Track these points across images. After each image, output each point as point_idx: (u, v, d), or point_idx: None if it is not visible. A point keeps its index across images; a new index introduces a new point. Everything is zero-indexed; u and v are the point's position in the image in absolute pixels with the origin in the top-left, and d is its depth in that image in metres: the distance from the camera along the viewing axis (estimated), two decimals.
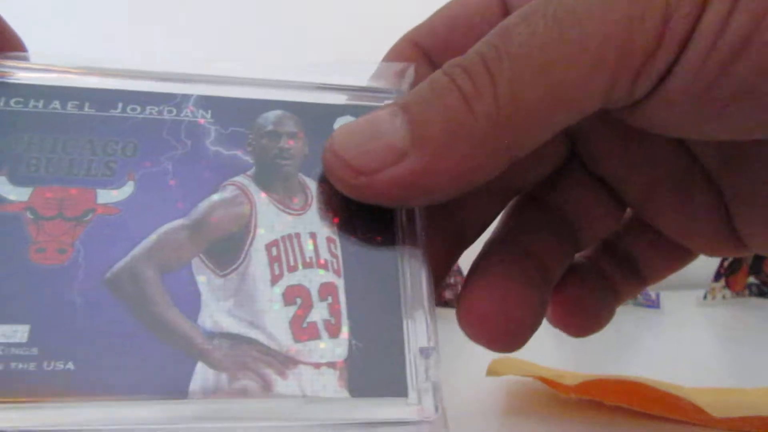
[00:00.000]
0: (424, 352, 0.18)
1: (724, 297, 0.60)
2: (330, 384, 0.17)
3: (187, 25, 0.57)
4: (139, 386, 0.16)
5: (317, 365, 0.17)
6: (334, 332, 0.18)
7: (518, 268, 0.22)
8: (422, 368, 0.18)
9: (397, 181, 0.18)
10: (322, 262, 0.19)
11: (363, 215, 0.20)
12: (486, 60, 0.17)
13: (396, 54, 0.23)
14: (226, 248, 0.18)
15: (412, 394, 0.17)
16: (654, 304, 0.58)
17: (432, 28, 0.23)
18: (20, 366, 0.16)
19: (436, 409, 0.17)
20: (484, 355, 0.33)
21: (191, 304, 0.17)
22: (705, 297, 0.59)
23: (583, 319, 0.24)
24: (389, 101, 0.22)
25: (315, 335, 0.18)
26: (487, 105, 0.17)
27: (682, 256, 0.25)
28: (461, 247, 0.22)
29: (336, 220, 0.19)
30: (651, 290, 0.57)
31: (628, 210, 0.25)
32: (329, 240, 0.19)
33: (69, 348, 0.16)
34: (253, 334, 0.17)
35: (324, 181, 0.20)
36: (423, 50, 0.23)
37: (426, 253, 0.19)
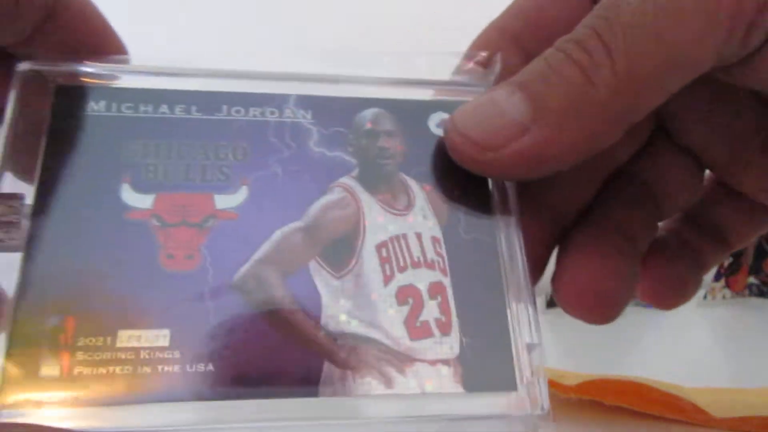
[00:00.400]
0: (529, 348, 0.19)
1: (724, 297, 0.61)
2: (446, 380, 0.18)
3: (187, 25, 0.57)
4: (272, 385, 0.17)
5: (433, 362, 0.18)
6: (445, 330, 0.19)
7: (610, 242, 0.22)
8: (527, 363, 0.19)
9: (522, 154, 0.19)
10: (429, 262, 0.20)
11: (464, 214, 0.20)
12: (599, 32, 0.18)
13: (485, 41, 0.24)
14: (340, 250, 0.19)
15: (521, 388, 0.18)
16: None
17: (521, 12, 0.24)
18: (166, 368, 0.17)
19: (543, 402, 0.18)
20: None
21: (313, 305, 0.18)
22: (705, 297, 0.60)
23: (672, 290, 0.25)
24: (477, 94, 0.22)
25: (428, 333, 0.19)
26: (605, 75, 0.18)
27: (766, 217, 0.26)
28: (560, 231, 0.23)
29: (439, 219, 0.20)
30: None
31: (709, 178, 0.26)
32: (434, 240, 0.20)
33: (207, 350, 0.17)
34: (373, 333, 0.18)
35: (424, 181, 0.21)
36: (512, 36, 0.23)
37: (525, 250, 0.20)
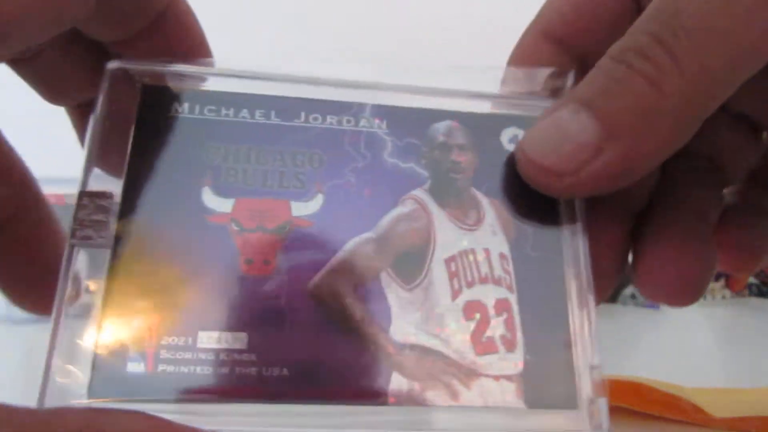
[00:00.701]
0: (591, 368, 0.19)
1: (724, 297, 0.61)
2: (509, 395, 0.19)
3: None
4: (342, 391, 0.18)
5: (496, 378, 0.19)
6: (510, 347, 0.19)
7: (685, 228, 0.22)
8: (588, 382, 0.19)
9: (600, 174, 0.19)
10: (496, 278, 0.20)
11: (532, 231, 0.21)
12: (660, 38, 0.18)
13: (529, 49, 0.24)
14: (410, 263, 0.20)
15: (582, 408, 0.19)
16: (654, 304, 0.58)
17: (561, 15, 0.23)
18: (243, 370, 0.18)
19: (603, 422, 0.19)
20: None
21: (383, 316, 0.19)
22: (705, 297, 0.60)
23: (751, 254, 0.25)
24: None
25: (493, 349, 0.19)
26: (674, 83, 0.18)
27: None
28: (632, 228, 0.23)
29: (507, 236, 0.21)
30: None
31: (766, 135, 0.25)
32: (501, 256, 0.20)
33: (282, 355, 0.18)
34: (439, 346, 0.19)
35: (494, 196, 0.21)
36: (557, 40, 0.23)
37: (591, 268, 0.20)
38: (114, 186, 0.19)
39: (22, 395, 0.17)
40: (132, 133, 0.20)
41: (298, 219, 0.20)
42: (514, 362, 0.19)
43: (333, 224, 0.20)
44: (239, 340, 0.18)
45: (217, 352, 0.18)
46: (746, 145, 0.25)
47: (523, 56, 0.24)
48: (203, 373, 0.18)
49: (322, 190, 0.20)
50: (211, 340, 0.18)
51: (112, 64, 0.20)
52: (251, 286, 0.19)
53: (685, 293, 0.22)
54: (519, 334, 0.19)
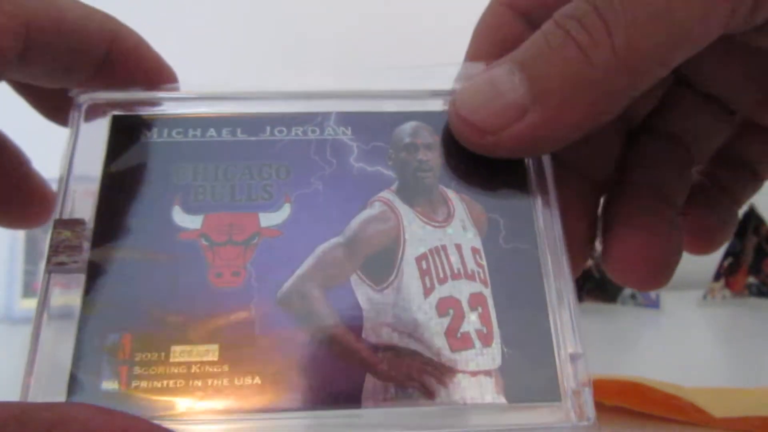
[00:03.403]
0: (573, 357, 0.19)
1: (723, 297, 0.61)
2: (487, 391, 0.18)
3: (179, 26, 0.60)
4: (316, 397, 0.18)
5: (474, 373, 0.18)
6: (486, 341, 0.19)
7: (652, 209, 0.22)
8: (571, 373, 0.19)
9: (522, 136, 0.19)
10: (469, 273, 0.20)
11: (504, 223, 0.20)
12: (599, 9, 0.18)
13: (492, 18, 0.24)
14: (380, 264, 0.20)
15: (565, 399, 0.18)
16: (654, 304, 0.58)
17: None
18: (216, 382, 0.18)
19: (589, 413, 0.18)
20: None
21: (355, 319, 0.19)
22: (705, 297, 0.60)
23: (714, 237, 0.25)
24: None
25: (469, 345, 0.19)
26: (604, 54, 0.18)
27: None
28: (597, 197, 0.23)
29: (479, 229, 0.20)
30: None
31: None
32: (474, 250, 0.20)
33: (254, 364, 0.18)
34: (414, 345, 0.19)
35: (463, 192, 0.21)
36: (519, 11, 0.23)
37: (569, 257, 0.20)
38: (87, 213, 0.20)
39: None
40: (103, 162, 0.20)
41: (266, 229, 0.20)
42: (491, 357, 0.19)
43: (302, 232, 0.20)
44: (211, 353, 0.18)
45: (189, 365, 0.18)
46: (714, 125, 0.25)
47: (486, 27, 0.24)
48: (177, 387, 0.18)
49: (289, 200, 0.20)
50: (183, 353, 0.18)
51: (82, 98, 0.21)
52: (222, 299, 0.19)
53: (653, 278, 0.22)
54: (495, 328, 0.19)
